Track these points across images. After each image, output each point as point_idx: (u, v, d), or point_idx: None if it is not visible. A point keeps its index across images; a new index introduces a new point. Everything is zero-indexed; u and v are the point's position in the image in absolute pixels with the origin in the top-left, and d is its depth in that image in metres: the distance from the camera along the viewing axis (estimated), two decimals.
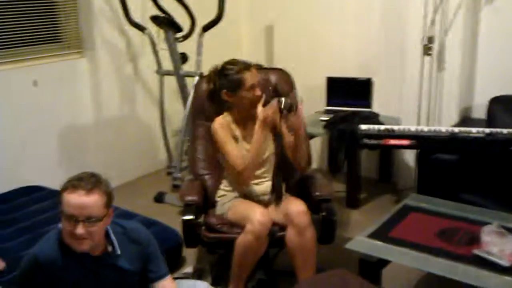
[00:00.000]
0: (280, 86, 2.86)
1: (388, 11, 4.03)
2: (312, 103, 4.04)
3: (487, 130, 3.00)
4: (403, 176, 4.03)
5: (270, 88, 2.81)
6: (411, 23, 3.71)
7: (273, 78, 2.97)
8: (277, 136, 2.65)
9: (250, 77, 2.55)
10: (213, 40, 3.92)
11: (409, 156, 3.94)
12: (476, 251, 2.17)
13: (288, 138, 2.63)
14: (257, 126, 2.54)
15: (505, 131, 2.96)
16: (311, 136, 3.55)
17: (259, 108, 2.55)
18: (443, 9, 3.59)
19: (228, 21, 3.77)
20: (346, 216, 3.63)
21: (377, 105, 4.06)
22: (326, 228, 2.58)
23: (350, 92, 4.13)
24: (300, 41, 4.50)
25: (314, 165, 3.70)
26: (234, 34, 4.75)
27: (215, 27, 3.67)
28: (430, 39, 3.63)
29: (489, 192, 2.94)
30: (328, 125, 3.73)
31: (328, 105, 4.14)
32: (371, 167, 4.25)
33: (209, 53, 3.72)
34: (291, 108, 2.51)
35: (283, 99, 2.51)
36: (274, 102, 2.53)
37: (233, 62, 2.61)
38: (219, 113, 2.70)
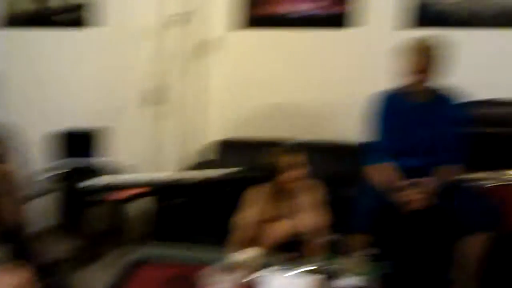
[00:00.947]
0: None
1: (120, 62, 4.10)
2: (41, 158, 3.82)
3: (206, 174, 3.19)
4: (139, 225, 3.99)
5: None
6: (138, 74, 3.86)
7: None
8: None
9: None
10: None
11: (143, 205, 3.93)
12: None
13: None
14: None
15: (222, 172, 3.18)
16: (39, 194, 3.34)
17: None
18: (169, 59, 3.76)
19: None
20: (81, 276, 3.44)
21: (119, 155, 4.01)
22: None
23: (82, 144, 3.97)
24: (33, 92, 4.28)
25: (43, 224, 3.51)
26: None
27: None
28: (157, 89, 3.76)
29: (219, 231, 3.07)
30: (56, 181, 3.56)
31: (58, 159, 3.90)
32: (105, 220, 4.02)
33: None
34: None
35: None
36: None
37: None
38: None
